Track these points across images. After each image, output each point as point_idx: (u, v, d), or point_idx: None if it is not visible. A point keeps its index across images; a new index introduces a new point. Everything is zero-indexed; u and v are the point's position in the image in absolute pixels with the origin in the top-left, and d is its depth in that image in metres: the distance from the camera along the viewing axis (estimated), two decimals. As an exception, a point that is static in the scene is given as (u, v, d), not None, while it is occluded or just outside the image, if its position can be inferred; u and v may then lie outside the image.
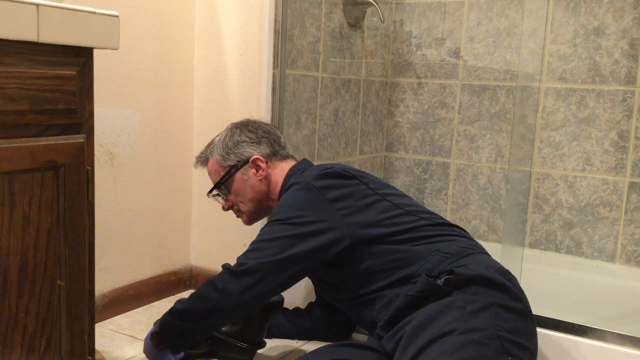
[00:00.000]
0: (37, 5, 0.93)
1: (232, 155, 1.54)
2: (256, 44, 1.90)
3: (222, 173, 1.56)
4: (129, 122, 1.83)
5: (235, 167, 1.54)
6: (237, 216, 1.62)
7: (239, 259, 1.37)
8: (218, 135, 1.60)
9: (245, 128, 1.58)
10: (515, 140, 1.80)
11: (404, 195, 1.48)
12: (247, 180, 1.54)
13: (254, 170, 1.53)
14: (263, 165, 1.53)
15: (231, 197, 1.57)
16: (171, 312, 1.40)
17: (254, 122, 1.62)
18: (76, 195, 1.04)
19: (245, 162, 1.54)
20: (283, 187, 1.51)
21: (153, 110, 1.91)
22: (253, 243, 1.38)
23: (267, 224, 1.40)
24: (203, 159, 1.61)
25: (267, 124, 1.63)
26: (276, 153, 1.56)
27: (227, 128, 1.61)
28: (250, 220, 1.61)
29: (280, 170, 1.55)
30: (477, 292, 1.23)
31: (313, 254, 1.34)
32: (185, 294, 2.07)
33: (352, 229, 1.35)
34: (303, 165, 1.54)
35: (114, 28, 1.05)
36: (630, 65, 2.07)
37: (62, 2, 1.12)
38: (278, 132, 1.62)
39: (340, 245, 1.35)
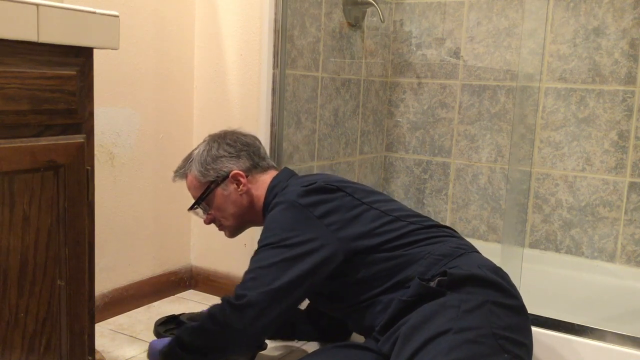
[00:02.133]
0: (37, 5, 0.93)
1: (211, 171, 1.50)
2: (256, 44, 1.90)
3: (202, 189, 1.51)
4: (129, 122, 1.83)
5: (215, 183, 1.50)
6: (220, 229, 1.58)
7: (237, 289, 1.31)
8: (196, 149, 1.55)
9: (224, 141, 1.53)
10: (515, 140, 1.80)
11: (391, 200, 1.47)
12: (228, 195, 1.50)
13: (234, 186, 1.49)
14: (244, 180, 1.49)
15: (213, 212, 1.54)
16: (178, 342, 1.36)
17: (232, 133, 1.56)
18: (76, 195, 1.04)
19: (225, 177, 1.49)
20: (266, 199, 1.48)
21: (153, 110, 1.91)
22: (249, 271, 1.33)
23: (259, 249, 1.36)
24: (181, 174, 1.56)
25: (246, 135, 1.57)
26: (256, 166, 1.52)
27: (204, 141, 1.56)
28: (232, 234, 1.58)
29: (262, 183, 1.51)
30: (471, 291, 1.23)
31: (311, 274, 1.31)
32: (186, 294, 2.07)
33: (344, 244, 1.33)
34: (285, 176, 1.51)
35: (114, 28, 1.05)
36: (630, 65, 2.07)
37: (62, 2, 1.12)
38: (258, 142, 1.58)
39: (336, 261, 1.33)
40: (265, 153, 1.57)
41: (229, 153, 1.51)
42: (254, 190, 1.51)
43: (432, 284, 1.26)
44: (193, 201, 1.55)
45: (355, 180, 2.37)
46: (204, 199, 1.52)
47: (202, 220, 2.05)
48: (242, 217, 1.53)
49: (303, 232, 1.32)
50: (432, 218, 1.48)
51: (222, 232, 1.58)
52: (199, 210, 1.55)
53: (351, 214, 1.37)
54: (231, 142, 1.53)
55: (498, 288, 1.26)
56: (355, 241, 1.34)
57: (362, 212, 1.38)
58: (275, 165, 1.58)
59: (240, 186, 1.49)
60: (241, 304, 1.27)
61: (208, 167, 1.50)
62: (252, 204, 1.51)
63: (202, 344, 1.33)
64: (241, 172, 1.49)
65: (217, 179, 1.50)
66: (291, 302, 1.32)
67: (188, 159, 1.55)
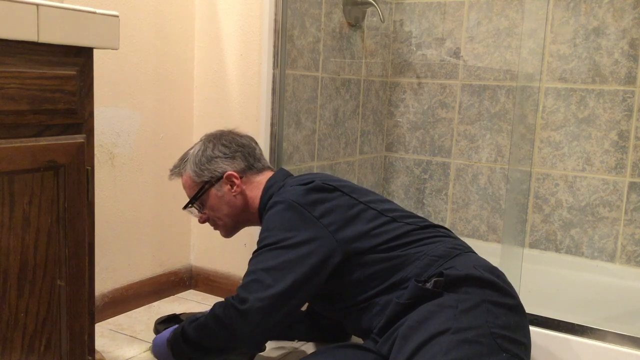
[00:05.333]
0: (37, 5, 0.93)
1: (205, 172, 1.50)
2: (256, 44, 1.90)
3: (196, 189, 1.52)
4: (129, 122, 1.83)
5: (210, 183, 1.50)
6: (215, 229, 1.58)
7: (240, 292, 1.30)
8: (192, 148, 1.55)
9: (219, 142, 1.52)
10: (515, 140, 1.80)
11: (386, 201, 1.47)
12: (222, 196, 1.50)
13: (228, 187, 1.49)
14: (237, 181, 1.49)
15: (207, 212, 1.54)
16: (184, 336, 1.37)
17: (229, 133, 1.56)
18: (76, 195, 1.04)
19: (219, 178, 1.49)
20: (262, 200, 1.48)
21: (153, 110, 1.91)
22: (250, 273, 1.32)
23: (258, 249, 1.35)
24: (177, 173, 1.56)
25: (242, 136, 1.57)
26: (251, 167, 1.52)
27: (200, 140, 1.56)
28: (228, 234, 1.58)
29: (257, 184, 1.51)
30: (468, 291, 1.23)
31: (312, 275, 1.30)
32: (185, 294, 2.07)
33: (342, 244, 1.33)
34: (280, 176, 1.51)
35: (114, 28, 1.05)
36: (630, 65, 2.07)
37: (62, 2, 1.12)
38: (254, 143, 1.57)
39: (334, 261, 1.33)
40: (261, 154, 1.57)
41: (224, 154, 1.51)
42: (249, 191, 1.51)
43: (429, 285, 1.26)
44: (186, 203, 1.55)
45: (356, 181, 2.38)
46: (197, 199, 1.52)
47: (201, 220, 2.04)
48: (236, 218, 1.53)
49: (302, 232, 1.32)
50: (432, 218, 1.48)
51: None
52: (193, 210, 1.56)
53: (349, 214, 1.37)
54: (226, 143, 1.53)
55: (495, 287, 1.26)
56: (353, 242, 1.34)
57: (359, 212, 1.38)
58: (270, 166, 1.58)
59: (234, 187, 1.50)
60: (245, 309, 1.26)
61: (202, 167, 1.50)
62: (246, 205, 1.51)
63: (205, 342, 1.33)
64: (235, 174, 1.49)
65: (211, 180, 1.50)
66: (294, 304, 1.32)
67: (184, 158, 1.56)
